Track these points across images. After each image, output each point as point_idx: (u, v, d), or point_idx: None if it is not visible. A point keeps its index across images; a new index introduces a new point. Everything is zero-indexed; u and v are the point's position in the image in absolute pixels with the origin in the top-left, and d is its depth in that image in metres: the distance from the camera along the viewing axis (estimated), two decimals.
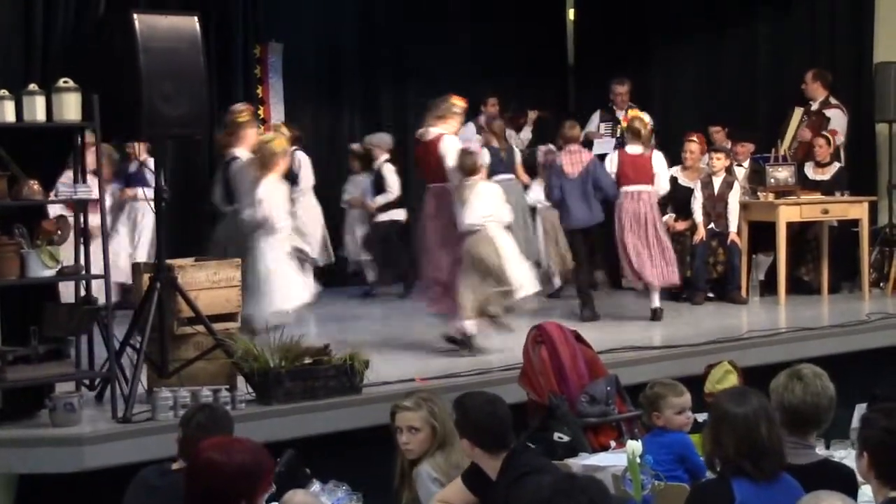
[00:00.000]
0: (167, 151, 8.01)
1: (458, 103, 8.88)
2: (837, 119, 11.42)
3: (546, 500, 3.26)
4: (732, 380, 6.60)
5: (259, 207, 8.02)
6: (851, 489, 4.23)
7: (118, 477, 5.09)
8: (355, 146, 12.48)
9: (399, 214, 11.98)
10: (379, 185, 11.94)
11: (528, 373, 7.04)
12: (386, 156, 12.01)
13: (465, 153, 8.68)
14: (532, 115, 12.71)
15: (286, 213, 8.28)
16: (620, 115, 12.08)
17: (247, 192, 8.14)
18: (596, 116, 12.22)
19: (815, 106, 11.53)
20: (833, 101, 11.49)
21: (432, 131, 8.75)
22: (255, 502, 3.59)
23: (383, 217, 11.94)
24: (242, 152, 8.41)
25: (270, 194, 8.08)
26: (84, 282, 6.84)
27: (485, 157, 10.30)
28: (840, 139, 11.39)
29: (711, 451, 4.18)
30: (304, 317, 8.66)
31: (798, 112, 11.57)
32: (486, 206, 8.51)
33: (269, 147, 8.25)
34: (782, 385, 4.54)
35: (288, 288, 8.13)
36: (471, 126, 12.26)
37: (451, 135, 8.76)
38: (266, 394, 6.85)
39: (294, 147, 10.49)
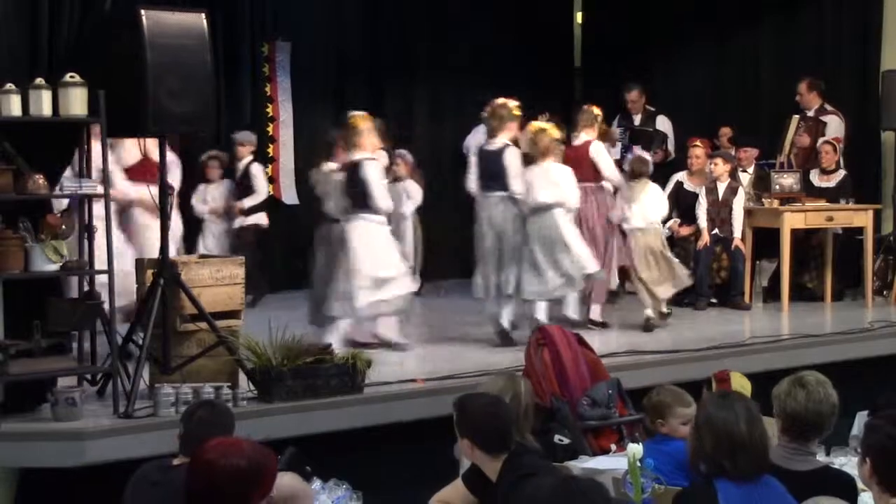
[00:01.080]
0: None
1: (598, 111, 10.18)
2: (835, 125, 11.44)
3: (546, 502, 3.26)
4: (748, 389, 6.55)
5: (562, 189, 9.05)
6: (852, 496, 4.24)
7: (119, 472, 5.09)
8: (214, 152, 11.35)
9: (262, 219, 11.18)
10: (245, 186, 11.09)
11: (530, 375, 7.01)
12: (251, 155, 11.26)
13: (638, 160, 10.12)
14: (543, 118, 12.68)
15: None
16: (637, 119, 12.13)
17: (537, 176, 9.05)
18: (615, 122, 12.29)
19: (810, 113, 11.55)
20: (829, 107, 11.52)
21: (582, 137, 10.01)
22: None
23: (248, 221, 11.11)
24: (505, 140, 9.06)
25: (567, 177, 9.12)
26: (87, 277, 6.85)
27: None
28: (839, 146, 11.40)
29: (693, 452, 4.19)
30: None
31: (794, 120, 11.57)
32: (658, 205, 9.86)
33: (549, 134, 9.18)
34: (785, 391, 4.55)
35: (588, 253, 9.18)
36: (482, 127, 12.26)
37: (597, 140, 9.98)
38: (268, 391, 6.85)
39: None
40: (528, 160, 9.08)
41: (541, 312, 8.94)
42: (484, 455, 4.83)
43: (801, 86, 11.55)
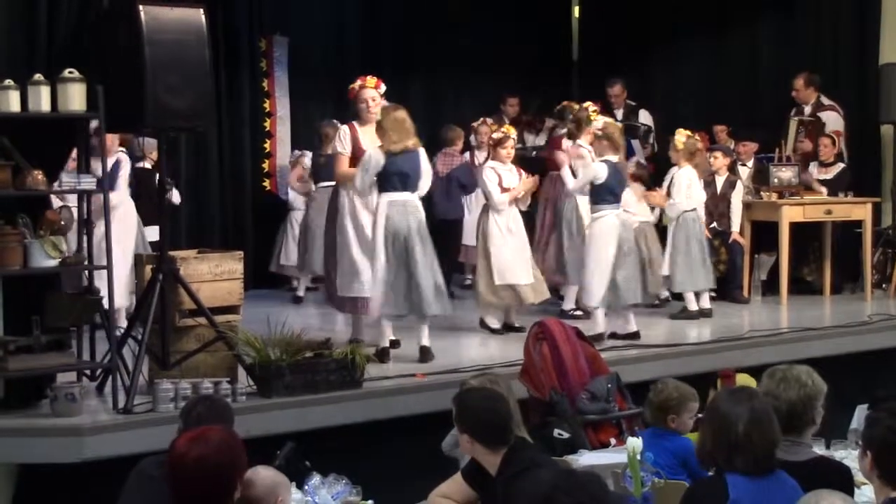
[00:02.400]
0: (171, 143, 8.01)
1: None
2: (834, 120, 11.42)
3: (545, 495, 3.26)
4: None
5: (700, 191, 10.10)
6: (847, 486, 4.22)
7: (118, 468, 5.09)
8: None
9: (153, 234, 9.14)
10: None
11: (529, 369, 7.04)
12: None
13: (639, 165, 10.81)
14: (549, 123, 12.63)
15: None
16: (619, 114, 12.09)
17: (688, 177, 9.97)
18: None
19: (808, 110, 11.54)
20: (825, 101, 11.51)
21: None
22: (230, 493, 3.62)
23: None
24: (585, 143, 9.72)
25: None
26: (86, 272, 6.85)
27: None
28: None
29: (698, 445, 4.20)
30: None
31: (794, 123, 11.55)
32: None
33: (697, 140, 10.11)
34: (763, 386, 4.54)
35: None
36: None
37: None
38: (267, 386, 6.85)
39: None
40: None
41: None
42: (483, 449, 4.83)
43: (798, 81, 11.54)
